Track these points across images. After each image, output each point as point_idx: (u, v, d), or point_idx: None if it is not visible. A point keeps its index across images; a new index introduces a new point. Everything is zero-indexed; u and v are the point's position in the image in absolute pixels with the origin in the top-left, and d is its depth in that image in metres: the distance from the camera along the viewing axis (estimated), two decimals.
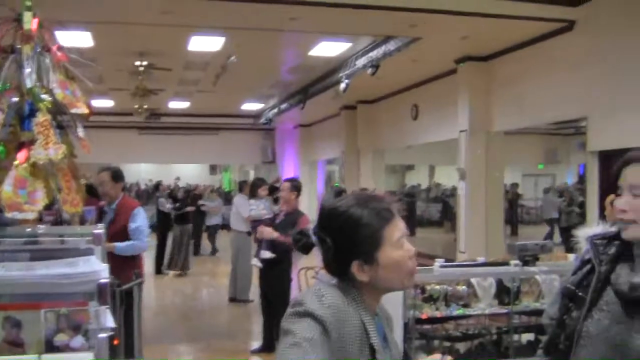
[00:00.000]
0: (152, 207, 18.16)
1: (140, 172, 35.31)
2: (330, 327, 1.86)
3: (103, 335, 2.09)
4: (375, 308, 2.10)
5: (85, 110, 3.19)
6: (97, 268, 2.24)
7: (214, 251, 20.02)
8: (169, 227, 16.22)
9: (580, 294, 2.30)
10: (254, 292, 10.85)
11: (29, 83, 3.02)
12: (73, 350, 2.02)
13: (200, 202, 19.42)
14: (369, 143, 20.24)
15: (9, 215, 2.77)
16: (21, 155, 2.91)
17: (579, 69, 10.54)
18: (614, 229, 2.33)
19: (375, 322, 2.04)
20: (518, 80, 12.53)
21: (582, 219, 16.68)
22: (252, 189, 8.95)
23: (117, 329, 2.24)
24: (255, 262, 8.22)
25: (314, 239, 2.10)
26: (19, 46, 3.12)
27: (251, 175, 35.22)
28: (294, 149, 27.65)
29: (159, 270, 15.90)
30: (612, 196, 5.58)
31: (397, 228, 2.04)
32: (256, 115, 25.05)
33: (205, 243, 20.23)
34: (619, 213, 2.20)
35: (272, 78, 17.84)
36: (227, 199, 28.04)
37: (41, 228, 2.75)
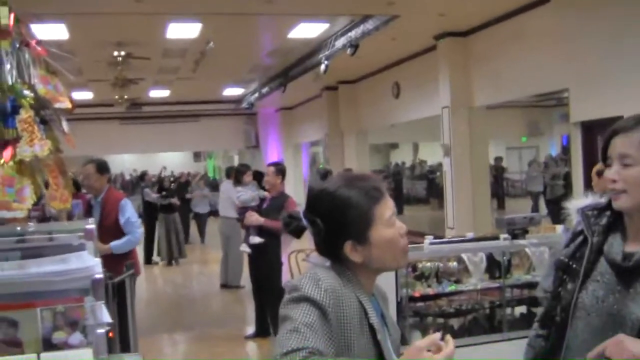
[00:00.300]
0: (137, 197, 18.10)
1: (124, 162, 35.19)
2: (328, 310, 1.85)
3: (101, 330, 2.08)
4: (371, 288, 2.09)
5: (69, 105, 3.16)
6: (90, 263, 2.22)
7: (203, 239, 19.98)
8: (155, 217, 16.17)
9: (573, 265, 2.29)
10: (245, 277, 10.83)
11: (10, 80, 2.99)
12: (72, 347, 2.01)
13: (188, 195, 19.47)
14: (351, 123, 20.22)
15: None
16: (7, 154, 2.88)
17: (557, 41, 10.54)
18: (603, 199, 2.34)
19: (372, 301, 2.04)
20: (497, 55, 12.53)
21: (566, 190, 16.83)
22: (236, 175, 8.85)
23: (111, 323, 2.22)
24: (244, 248, 8.23)
25: (304, 221, 2.08)
26: None
27: (236, 161, 35.16)
28: (277, 132, 27.59)
29: (148, 260, 15.87)
30: (598, 166, 5.61)
31: (387, 206, 2.04)
32: (237, 100, 24.94)
33: (193, 231, 20.20)
34: (609, 183, 2.19)
35: (251, 62, 17.75)
36: (213, 185, 28.03)
37: (31, 226, 2.73)
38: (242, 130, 28.82)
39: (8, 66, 3.00)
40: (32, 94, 3.03)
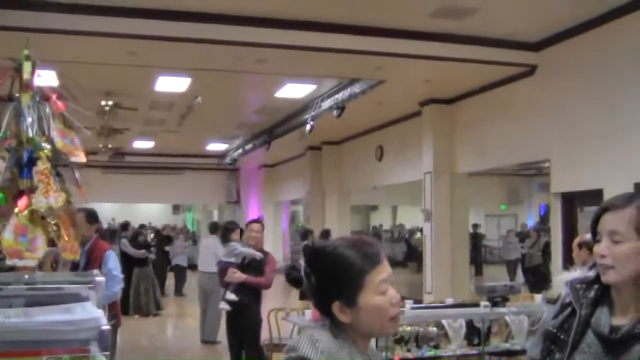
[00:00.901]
0: (116, 246, 17.93)
1: (103, 211, 34.95)
2: None
3: None
4: (366, 349, 2.10)
5: (83, 159, 3.22)
6: (96, 314, 2.24)
7: (181, 293, 19.78)
8: (132, 268, 16.03)
9: (561, 336, 2.34)
10: (222, 333, 10.73)
11: (30, 132, 3.04)
12: None
13: (167, 247, 19.44)
14: (334, 184, 20.32)
15: (9, 262, 2.76)
16: (21, 203, 2.91)
17: (541, 112, 10.74)
18: (591, 273, 2.39)
19: None
20: (481, 123, 12.73)
21: (544, 259, 16.94)
22: (224, 232, 8.72)
23: None
24: (224, 306, 8.14)
25: (300, 274, 2.10)
26: (17, 95, 3.14)
27: (215, 215, 35.08)
28: (258, 189, 27.64)
29: (125, 311, 15.67)
30: (578, 238, 5.69)
31: (381, 274, 2.04)
32: (221, 155, 25.04)
33: (170, 283, 20.04)
34: (599, 258, 2.25)
35: (237, 119, 17.88)
36: (193, 239, 27.92)
37: (39, 274, 2.74)
38: (223, 185, 28.84)
39: (30, 119, 3.05)
40: (49, 147, 3.08)
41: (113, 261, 6.61)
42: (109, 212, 34.98)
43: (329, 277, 2.03)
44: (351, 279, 2.01)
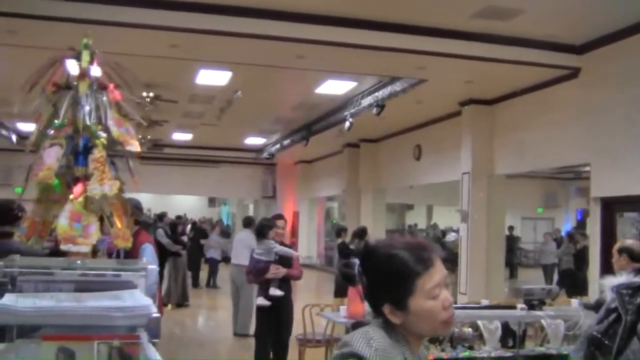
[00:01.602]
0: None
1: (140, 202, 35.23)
2: None
3: None
4: (418, 349, 2.09)
5: (138, 148, 3.27)
6: (146, 302, 2.28)
7: (215, 285, 19.91)
8: (165, 259, 16.19)
9: (606, 342, 2.33)
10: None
11: (88, 121, 3.10)
12: None
13: (203, 241, 19.67)
14: (370, 181, 20.31)
15: (63, 247, 2.82)
16: (76, 190, 2.97)
17: (582, 115, 10.64)
18: (638, 279, 2.38)
19: None
20: (521, 125, 12.63)
21: (579, 263, 16.74)
22: (260, 229, 8.77)
23: None
24: (263, 302, 8.24)
25: (355, 272, 2.09)
26: (75, 83, 3.20)
27: (250, 210, 35.20)
28: (294, 184, 27.72)
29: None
30: (619, 243, 5.62)
31: (433, 278, 2.00)
32: (258, 149, 25.15)
33: (203, 275, 20.22)
34: None
35: (276, 114, 17.95)
36: (226, 233, 28.05)
37: (92, 261, 2.79)
38: (260, 179, 28.96)
39: (87, 108, 3.11)
40: (105, 135, 3.14)
41: (149, 254, 6.63)
42: (145, 202, 35.21)
43: (381, 278, 2.02)
44: (402, 283, 1.99)
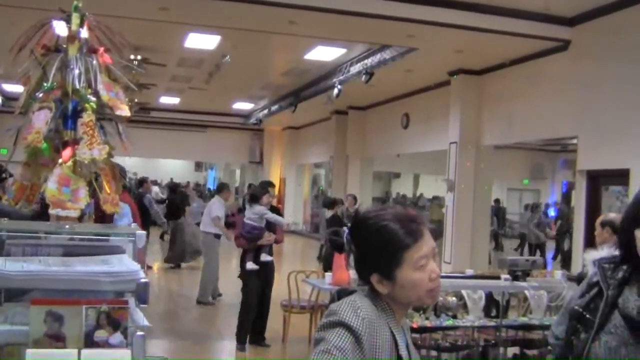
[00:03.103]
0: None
1: (125, 165, 35.11)
2: (363, 338, 1.89)
3: (140, 333, 2.13)
4: (401, 318, 2.11)
5: (128, 113, 3.24)
6: (134, 267, 2.28)
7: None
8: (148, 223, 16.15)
9: (587, 316, 2.36)
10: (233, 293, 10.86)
11: (77, 84, 3.07)
12: (111, 346, 2.07)
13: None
14: (358, 149, 20.31)
15: (52, 212, 2.81)
16: (66, 154, 2.95)
17: (571, 88, 10.64)
18: (618, 252, 2.41)
19: (402, 333, 2.07)
20: (510, 96, 12.63)
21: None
22: (253, 195, 8.86)
23: (150, 327, 2.28)
24: (252, 266, 8.43)
25: (345, 241, 2.10)
26: (64, 46, 3.17)
27: (237, 175, 35.21)
28: (282, 150, 27.70)
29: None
30: (602, 216, 5.67)
31: (422, 250, 2.01)
32: (246, 115, 25.08)
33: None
34: None
35: (265, 79, 17.88)
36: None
37: (80, 225, 2.79)
38: (247, 145, 28.90)
39: (77, 71, 3.08)
40: (95, 99, 3.11)
41: (127, 217, 6.61)
42: (131, 166, 35.18)
43: (369, 249, 2.03)
44: (390, 254, 2.00)
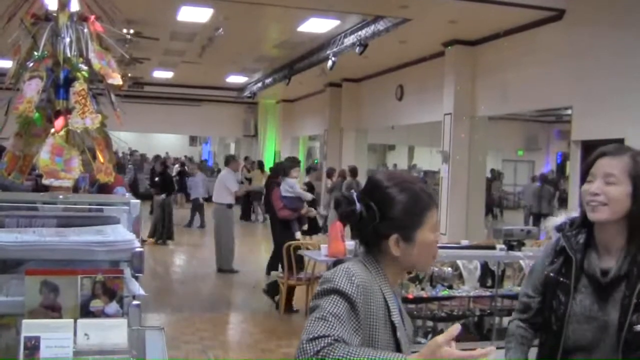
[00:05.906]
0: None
1: (119, 141, 35.04)
2: (358, 305, 1.90)
3: (136, 302, 2.13)
4: (395, 284, 2.14)
5: (120, 82, 3.22)
6: (129, 237, 2.28)
7: (202, 225, 19.91)
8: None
9: (562, 279, 2.56)
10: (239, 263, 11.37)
11: (68, 53, 3.04)
12: (107, 316, 2.07)
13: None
14: (352, 121, 20.26)
15: (45, 182, 2.79)
16: (58, 124, 2.93)
17: (566, 58, 10.61)
18: (574, 214, 2.56)
19: (394, 298, 2.08)
20: (504, 67, 12.59)
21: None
22: (285, 169, 9.57)
23: (146, 295, 2.28)
24: (299, 234, 9.70)
25: (357, 206, 2.09)
26: (54, 14, 3.13)
27: (232, 149, 35.14)
28: (276, 123, 27.61)
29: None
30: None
31: (436, 213, 2.11)
32: (240, 88, 24.97)
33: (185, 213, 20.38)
34: (591, 196, 2.43)
35: (258, 52, 17.76)
36: (210, 171, 28.15)
37: (74, 195, 2.78)
38: (241, 118, 28.82)
39: (68, 39, 3.05)
40: (86, 68, 3.09)
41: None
42: (125, 141, 35.08)
43: (397, 208, 2.05)
44: (417, 214, 2.06)
